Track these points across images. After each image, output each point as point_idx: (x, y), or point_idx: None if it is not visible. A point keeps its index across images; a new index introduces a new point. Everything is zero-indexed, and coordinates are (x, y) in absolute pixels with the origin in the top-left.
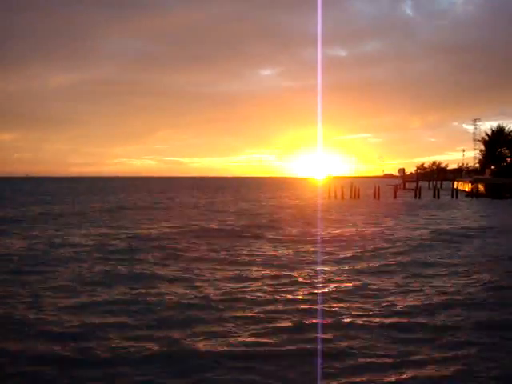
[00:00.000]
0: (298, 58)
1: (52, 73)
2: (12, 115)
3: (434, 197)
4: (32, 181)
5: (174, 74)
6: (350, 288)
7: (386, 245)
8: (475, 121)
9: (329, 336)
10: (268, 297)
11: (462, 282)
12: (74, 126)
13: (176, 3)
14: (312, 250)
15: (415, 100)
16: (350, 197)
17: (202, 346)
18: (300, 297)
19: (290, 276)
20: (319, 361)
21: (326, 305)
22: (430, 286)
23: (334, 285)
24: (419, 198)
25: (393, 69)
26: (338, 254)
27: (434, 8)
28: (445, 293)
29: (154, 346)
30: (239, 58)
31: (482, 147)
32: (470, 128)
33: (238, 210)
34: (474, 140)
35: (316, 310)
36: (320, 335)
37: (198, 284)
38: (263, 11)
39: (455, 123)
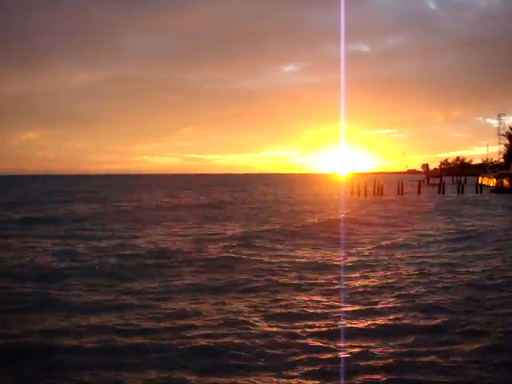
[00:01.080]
0: (321, 53)
1: (75, 71)
2: (35, 113)
3: (458, 192)
4: (57, 179)
5: (196, 71)
6: None
7: None
8: (500, 115)
9: None
10: None
11: None
12: (96, 124)
13: (198, 1)
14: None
15: (439, 95)
16: (373, 193)
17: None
18: None
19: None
20: None
21: None
22: None
23: None
24: (443, 193)
25: (416, 64)
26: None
27: (458, 1)
28: None
29: None
30: (261, 54)
31: (507, 142)
32: (495, 122)
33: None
34: (499, 135)
35: None
36: None
37: None
38: (284, 7)
39: (479, 118)
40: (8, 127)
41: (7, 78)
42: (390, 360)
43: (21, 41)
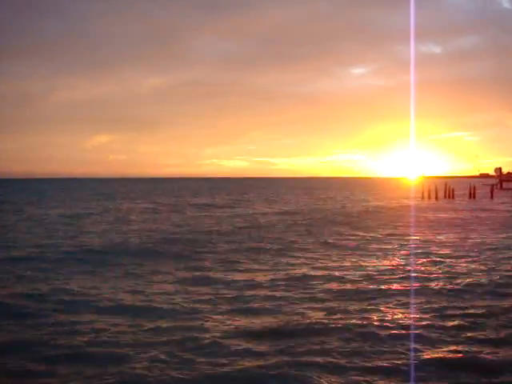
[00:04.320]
0: (390, 55)
1: (145, 76)
2: (107, 118)
3: None
4: (131, 182)
5: (264, 74)
6: None
7: None
8: None
9: None
10: None
11: None
12: (165, 128)
13: (266, 3)
14: None
15: None
16: (444, 197)
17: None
18: None
19: None
20: None
21: None
22: None
23: None
24: None
25: (489, 64)
26: None
27: None
28: None
29: None
30: (331, 56)
31: None
32: None
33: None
34: None
35: None
36: None
37: None
38: (354, 8)
39: None
40: (80, 131)
41: (80, 84)
42: None
43: (92, 47)
